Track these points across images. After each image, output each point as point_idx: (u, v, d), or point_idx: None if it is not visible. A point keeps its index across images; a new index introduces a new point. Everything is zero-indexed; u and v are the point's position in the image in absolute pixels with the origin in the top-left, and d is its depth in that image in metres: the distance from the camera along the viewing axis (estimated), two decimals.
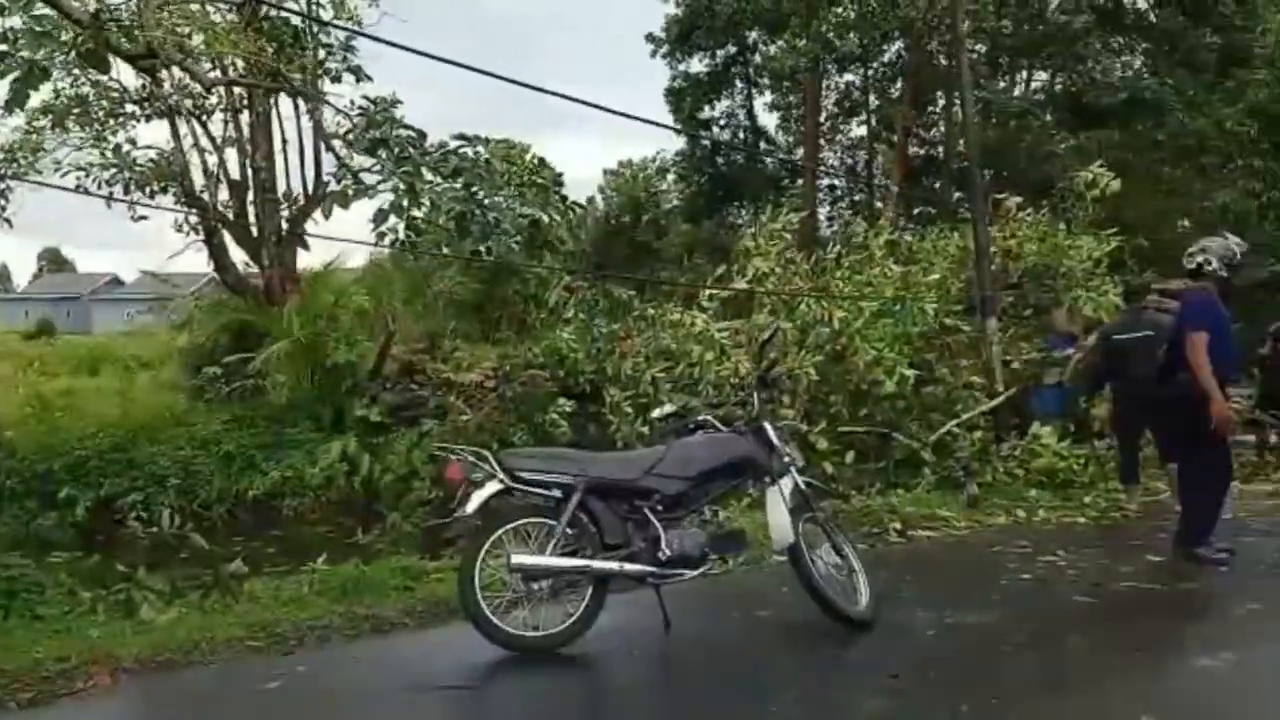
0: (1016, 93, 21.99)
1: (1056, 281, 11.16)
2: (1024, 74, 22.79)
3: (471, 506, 4.75)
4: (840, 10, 19.38)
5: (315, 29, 10.13)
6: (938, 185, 24.26)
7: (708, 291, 11.64)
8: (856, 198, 28.33)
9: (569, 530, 4.78)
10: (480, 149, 9.12)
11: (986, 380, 10.18)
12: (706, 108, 27.26)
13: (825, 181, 27.46)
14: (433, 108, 40.64)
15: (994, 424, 10.02)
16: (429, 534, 9.35)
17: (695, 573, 4.95)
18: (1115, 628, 5.25)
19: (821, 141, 26.59)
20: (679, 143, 28.26)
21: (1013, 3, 16.59)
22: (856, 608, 5.08)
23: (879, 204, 23.62)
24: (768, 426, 5.28)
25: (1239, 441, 10.95)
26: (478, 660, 4.73)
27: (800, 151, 26.22)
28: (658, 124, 13.36)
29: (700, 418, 5.57)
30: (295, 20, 10.73)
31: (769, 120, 28.82)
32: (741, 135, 27.79)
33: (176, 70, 11.43)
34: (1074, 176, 12.17)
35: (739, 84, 27.23)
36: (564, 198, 10.12)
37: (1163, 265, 15.81)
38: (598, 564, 4.77)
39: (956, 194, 20.78)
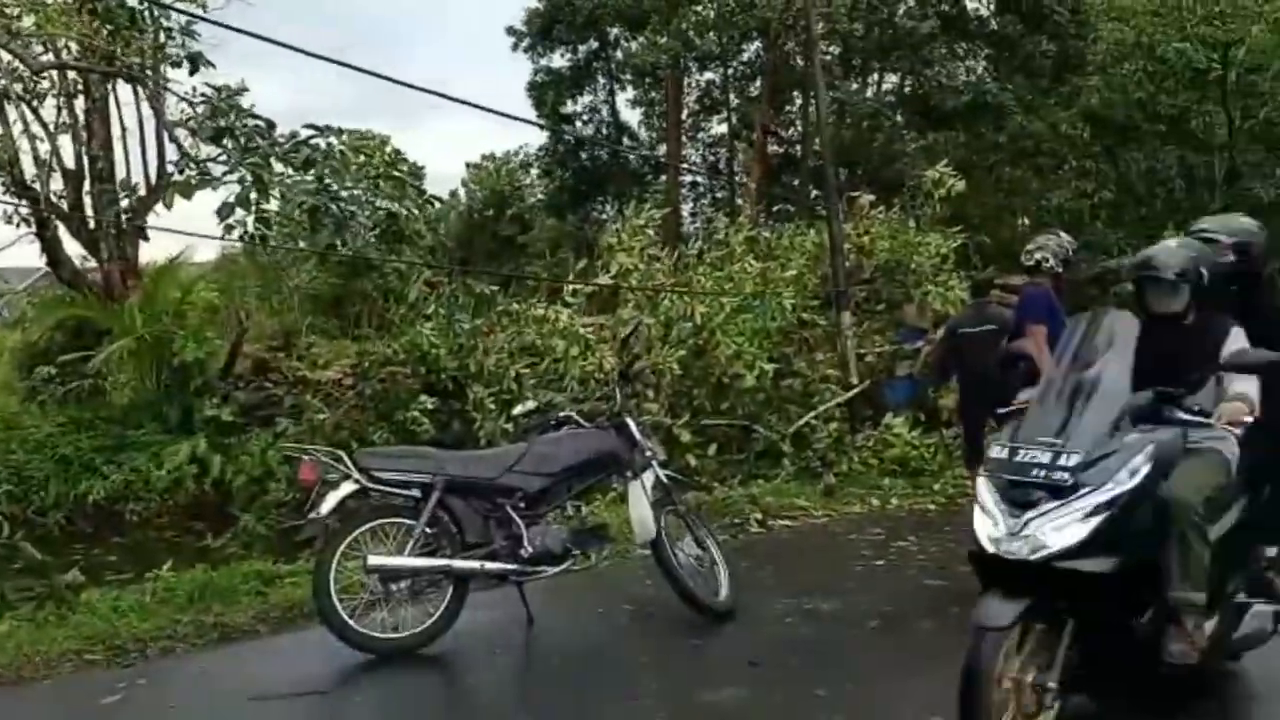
0: (869, 94, 22.69)
1: (907, 277, 11.55)
2: (876, 76, 23.53)
3: (325, 508, 4.63)
4: (700, 9, 19.63)
5: (155, 12, 9.63)
6: (796, 183, 24.84)
7: (572, 287, 11.62)
8: (719, 194, 28.72)
9: (428, 529, 4.71)
10: (333, 140, 8.84)
11: (842, 373, 10.49)
12: (569, 102, 27.16)
13: (688, 178, 27.77)
14: (292, 99, 39.38)
15: (849, 415, 10.33)
16: (284, 537, 9.04)
17: (558, 569, 4.94)
18: (963, 609, 5.44)
19: (684, 138, 26.84)
20: (542, 137, 28.13)
21: (864, 7, 17.10)
22: (718, 598, 5.17)
23: (740, 201, 24.01)
24: (630, 421, 5.31)
25: None
26: (334, 665, 4.61)
27: (663, 148, 26.41)
28: (518, 118, 13.29)
29: (562, 414, 5.56)
30: (132, 1, 10.18)
31: (632, 116, 28.94)
32: (604, 131, 27.83)
33: (4, 54, 10.73)
34: (921, 176, 12.61)
35: (601, 79, 27.21)
36: (422, 191, 9.90)
37: (1003, 261, 16.65)
38: (458, 563, 4.70)
39: (814, 192, 21.29)
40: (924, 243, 11.67)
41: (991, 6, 19.37)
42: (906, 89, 22.17)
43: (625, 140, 28.08)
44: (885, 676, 4.43)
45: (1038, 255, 7.14)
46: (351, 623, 4.59)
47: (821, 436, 9.73)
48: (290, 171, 8.13)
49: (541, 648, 5.00)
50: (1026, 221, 22.44)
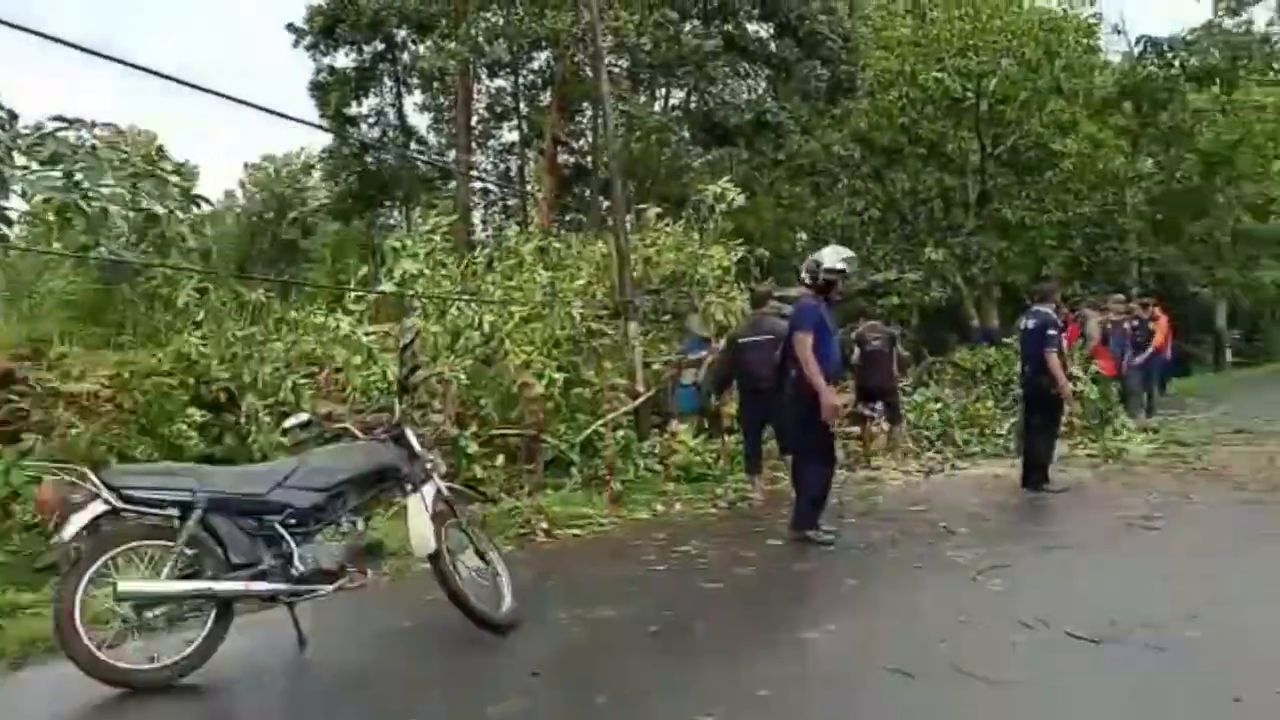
0: (657, 108, 23.23)
1: (692, 288, 11.88)
2: (663, 91, 24.13)
3: (70, 531, 4.26)
4: (489, 16, 19.52)
5: None
6: (587, 193, 25.10)
7: (354, 294, 11.26)
8: (510, 202, 28.64)
9: (188, 551, 4.41)
10: (85, 134, 8.19)
11: (629, 381, 10.65)
12: (354, 104, 26.39)
13: (479, 185, 27.54)
14: (53, 95, 36.33)
15: (636, 423, 10.50)
16: (29, 564, 8.28)
17: (332, 587, 4.75)
18: (739, 610, 5.67)
19: (474, 145, 26.59)
20: (326, 138, 27.20)
21: (651, 23, 17.48)
22: (500, 611, 5.11)
23: (531, 210, 24.03)
24: (409, 433, 5.18)
25: (845, 433, 12.30)
26: (80, 702, 4.25)
27: (453, 153, 26.09)
28: (299, 120, 12.72)
29: (337, 426, 5.36)
30: None
31: (420, 120, 28.44)
32: (391, 134, 27.22)
33: None
34: (705, 190, 13.00)
35: (388, 82, 26.61)
36: (187, 191, 9.27)
37: (782, 274, 17.40)
38: (221, 585, 4.44)
39: (604, 203, 21.58)
40: (708, 255, 12.05)
41: (771, 30, 20.20)
42: (692, 105, 22.82)
43: (413, 145, 27.53)
44: (663, 680, 4.50)
45: (812, 269, 7.53)
46: (101, 655, 4.24)
47: (609, 445, 9.84)
48: (35, 166, 7.47)
49: (314, 670, 4.79)
50: (804, 236, 23.56)
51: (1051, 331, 9.56)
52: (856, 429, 12.43)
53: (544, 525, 7.80)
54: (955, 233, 22.88)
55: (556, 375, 10.09)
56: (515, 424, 10.14)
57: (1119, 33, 29.08)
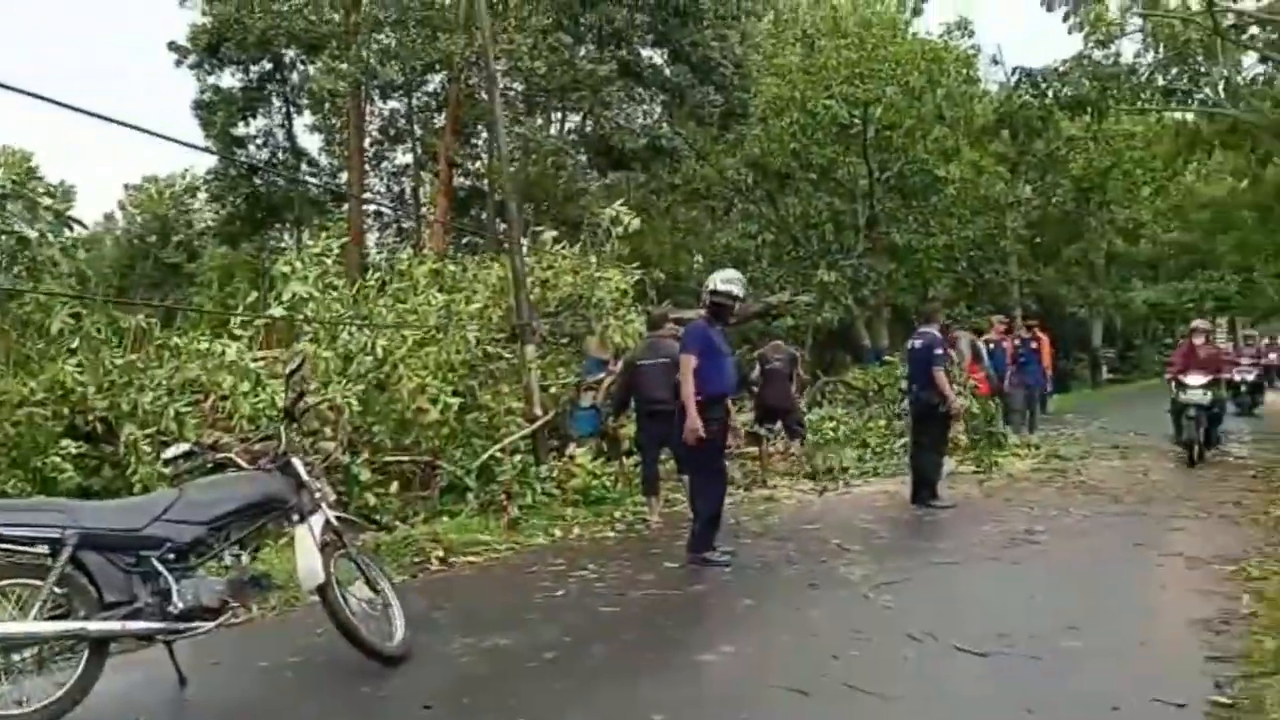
0: (553, 132, 23.27)
1: (589, 310, 11.86)
2: (559, 115, 24.18)
3: None
4: (382, 37, 19.28)
5: None
6: (484, 216, 24.95)
7: (241, 318, 10.93)
8: (404, 225, 28.28)
9: (57, 589, 4.19)
10: None
11: (526, 405, 10.57)
12: (241, 124, 25.73)
13: (373, 207, 27.13)
14: None
15: (534, 447, 10.42)
16: None
17: (214, 624, 4.55)
18: (635, 634, 5.65)
19: (367, 167, 26.19)
20: (212, 159, 26.45)
21: (545, 46, 17.51)
22: (391, 642, 4.99)
23: (426, 233, 23.75)
24: (296, 461, 5.03)
25: (742, 453, 12.45)
26: None
27: (345, 176, 25.64)
28: (181, 142, 12.34)
29: (220, 455, 5.18)
30: None
31: (311, 142, 27.91)
32: (281, 156, 26.61)
33: None
34: (599, 213, 13.03)
35: (277, 102, 26.04)
36: (60, 213, 8.86)
37: (679, 296, 17.56)
38: (94, 625, 4.22)
39: (500, 225, 21.47)
40: (605, 278, 12.05)
41: (665, 56, 20.45)
42: (588, 129, 22.92)
43: (304, 166, 26.99)
44: (558, 708, 4.46)
45: (708, 292, 7.63)
46: None
47: (506, 469, 9.73)
48: None
49: (194, 710, 4.60)
50: (700, 259, 23.84)
51: (938, 351, 9.85)
52: (754, 449, 12.59)
53: (439, 553, 7.65)
54: (846, 255, 23.43)
55: (452, 400, 9.94)
56: (409, 450, 9.97)
57: (996, 63, 30.27)
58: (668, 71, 20.35)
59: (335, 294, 10.80)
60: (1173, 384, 12.87)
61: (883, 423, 14.26)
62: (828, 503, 10.37)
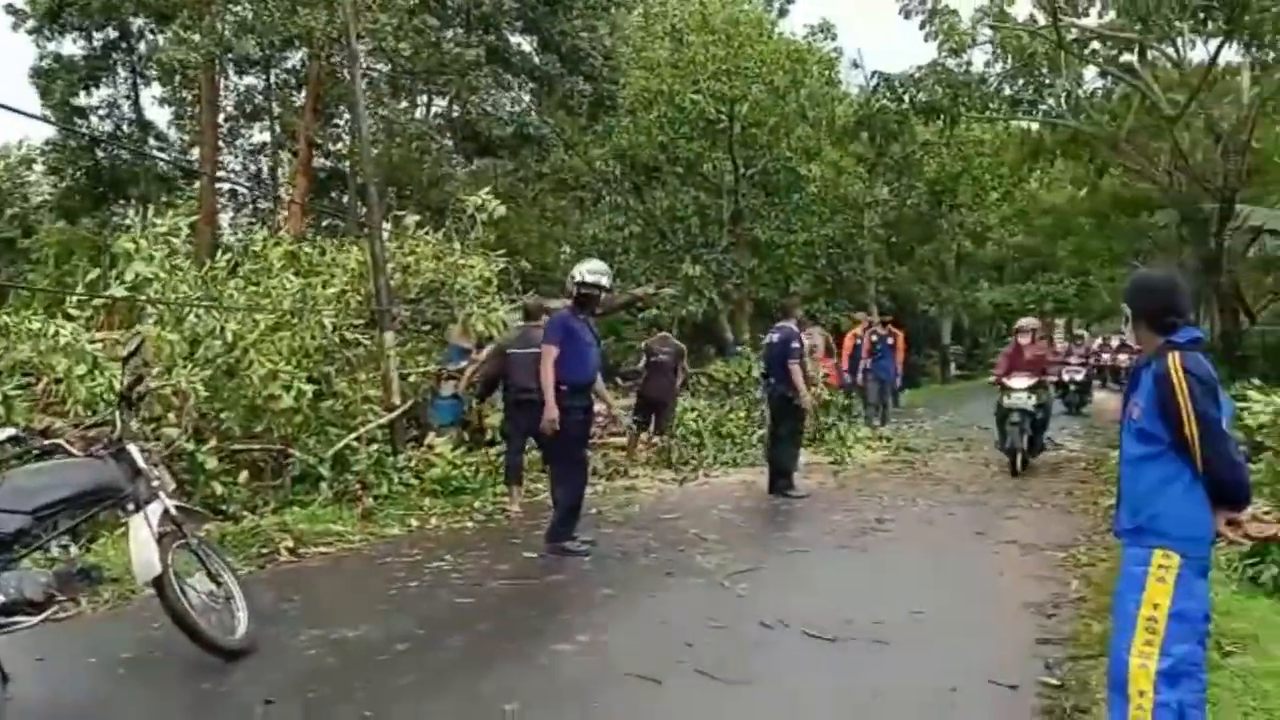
0: (418, 115, 22.81)
1: (452, 298, 11.67)
2: (425, 98, 23.71)
3: None
4: (238, 9, 18.48)
5: None
6: (344, 199, 24.28)
7: (78, 298, 10.32)
8: (261, 206, 27.26)
9: None
10: None
11: (384, 393, 10.33)
12: (83, 94, 24.26)
13: (227, 186, 26.04)
14: None
15: (391, 436, 10.19)
16: None
17: (39, 618, 4.28)
18: (490, 624, 5.58)
19: (221, 144, 25.09)
20: (50, 129, 24.89)
21: (410, 28, 17.11)
22: (233, 636, 4.80)
23: (284, 214, 22.96)
24: (132, 448, 4.78)
25: (605, 443, 12.48)
26: None
27: (197, 152, 24.51)
28: (15, 110, 11.49)
29: (49, 441, 4.88)
30: None
31: (160, 115, 26.59)
32: (126, 128, 25.24)
33: None
34: (463, 200, 12.84)
35: (123, 72, 24.68)
36: None
37: (546, 286, 17.48)
38: None
39: (362, 209, 20.93)
40: (468, 265, 11.86)
41: (534, 44, 20.29)
42: (455, 114, 22.55)
43: (151, 141, 25.67)
44: (408, 700, 4.37)
45: (573, 281, 7.60)
46: None
47: (361, 459, 9.49)
48: None
49: (17, 710, 4.31)
50: (568, 249, 23.78)
51: (795, 345, 10.08)
52: (621, 439, 12.66)
53: (288, 544, 7.39)
54: (711, 249, 23.75)
55: (306, 386, 9.61)
56: (260, 438, 9.61)
57: (856, 67, 31.22)
58: (537, 59, 20.20)
59: (182, 275, 10.31)
60: (999, 386, 11.95)
61: (742, 414, 14.51)
62: (687, 493, 10.49)
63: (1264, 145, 16.62)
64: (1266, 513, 6.30)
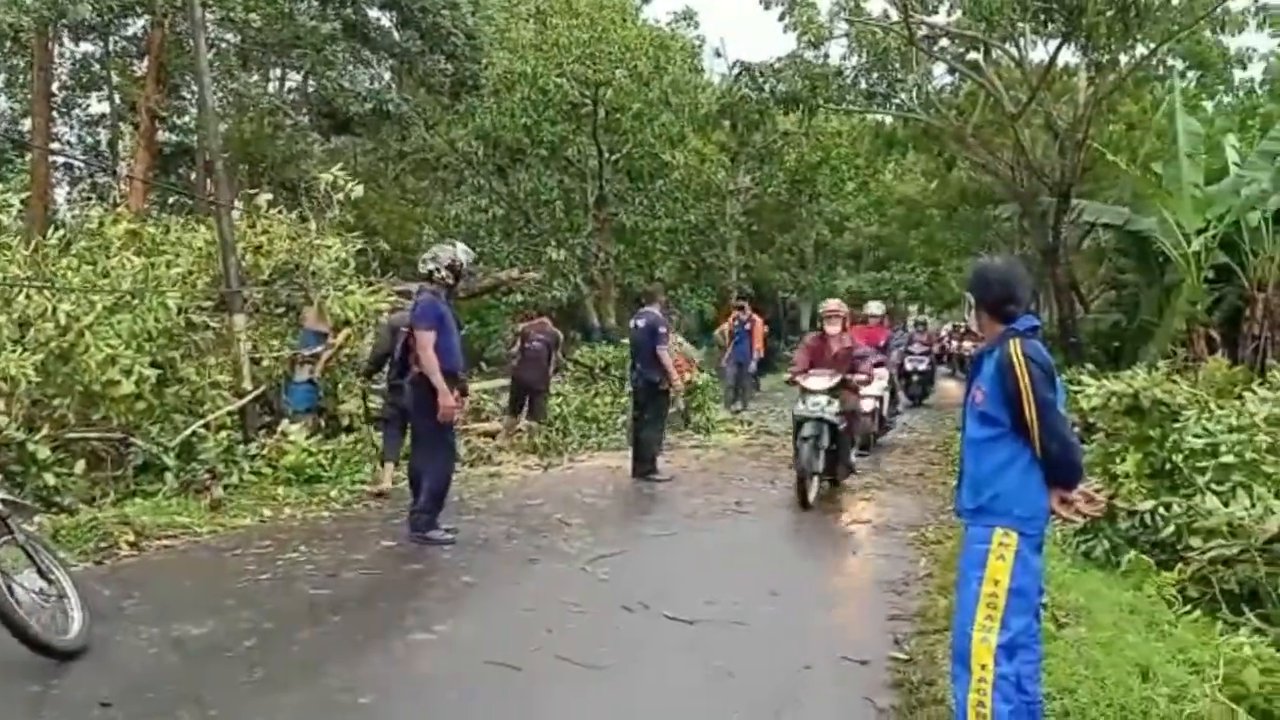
0: (271, 89, 21.93)
1: (307, 280, 11.28)
2: (279, 72, 22.81)
3: None
4: None
5: None
6: (192, 175, 23.18)
7: None
8: (100, 180, 25.78)
9: None
10: None
11: (235, 379, 9.93)
12: None
13: (63, 159, 24.49)
14: None
15: (242, 423, 9.81)
16: None
17: None
18: (345, 616, 5.43)
19: (56, 115, 23.56)
20: None
21: None
22: (66, 636, 4.53)
23: (125, 189, 21.75)
24: None
25: (469, 429, 12.33)
26: None
27: (28, 122, 22.97)
28: None
29: None
30: None
31: None
32: None
33: None
34: (317, 178, 12.43)
35: None
36: None
37: (408, 268, 17.09)
38: None
39: (210, 186, 20.01)
40: (325, 246, 11.49)
41: (394, 20, 19.74)
42: (310, 89, 21.78)
43: None
44: (257, 698, 4.21)
45: (430, 264, 7.42)
46: None
47: (210, 447, 9.10)
48: None
49: None
50: (431, 231, 23.31)
51: (661, 330, 10.15)
52: (487, 425, 12.53)
53: (129, 537, 7.02)
54: (575, 234, 23.68)
55: (149, 371, 9.14)
56: (98, 426, 9.10)
57: (719, 55, 31.64)
58: (396, 35, 19.65)
59: (11, 254, 9.66)
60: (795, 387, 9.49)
61: (608, 399, 14.56)
62: (552, 478, 10.46)
63: (1098, 143, 17.56)
64: (1097, 490, 6.68)
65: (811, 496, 8.68)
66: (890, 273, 36.65)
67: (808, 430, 8.73)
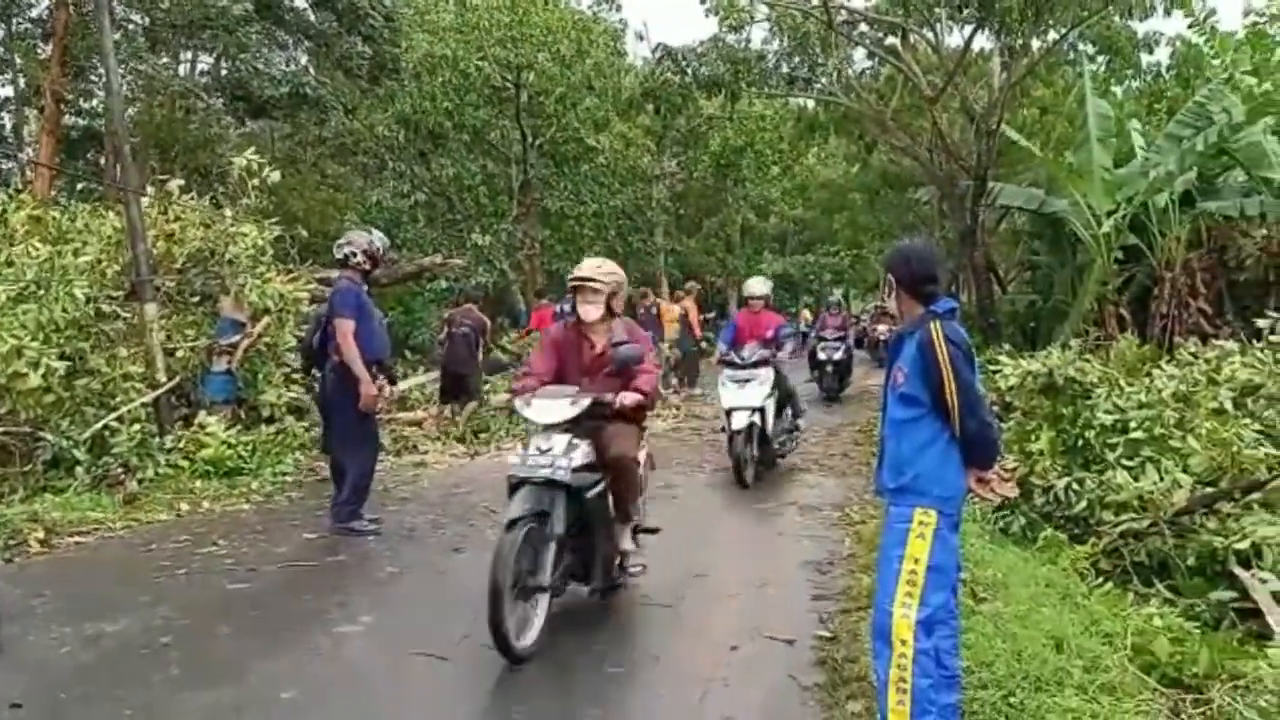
0: (182, 72, 21.31)
1: (223, 268, 11.01)
2: (190, 54, 22.18)
3: None
4: None
5: None
6: (101, 161, 22.45)
7: None
8: (4, 166, 24.86)
9: None
10: None
11: (148, 370, 9.64)
12: None
13: None
14: None
15: (157, 415, 9.54)
16: None
17: None
18: (266, 610, 5.33)
19: None
20: None
21: None
22: None
23: (31, 175, 20.97)
24: None
25: (395, 418, 12.18)
26: None
27: None
28: None
29: None
30: None
31: None
32: None
33: None
34: (231, 163, 12.12)
35: None
36: None
37: (327, 255, 16.76)
38: None
39: (119, 171, 19.37)
40: (241, 233, 11.22)
41: (309, 0, 19.30)
42: (224, 72, 21.21)
43: None
44: (174, 695, 4.11)
45: (346, 249, 7.28)
46: None
47: (123, 440, 8.84)
48: None
49: None
50: (351, 218, 22.89)
51: None
52: (418, 414, 12.39)
53: (39, 534, 6.81)
54: (500, 219, 23.48)
55: (57, 364, 8.84)
56: (4, 420, 8.78)
57: (641, 39, 31.56)
58: (312, 17, 19.21)
59: None
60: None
61: None
62: (479, 466, 10.37)
63: (1012, 127, 17.92)
64: (1013, 469, 6.84)
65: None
66: (815, 256, 37.06)
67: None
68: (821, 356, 16.66)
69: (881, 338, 20.87)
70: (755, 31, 19.59)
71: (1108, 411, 7.37)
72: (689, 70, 17.79)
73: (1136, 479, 6.54)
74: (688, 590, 5.66)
